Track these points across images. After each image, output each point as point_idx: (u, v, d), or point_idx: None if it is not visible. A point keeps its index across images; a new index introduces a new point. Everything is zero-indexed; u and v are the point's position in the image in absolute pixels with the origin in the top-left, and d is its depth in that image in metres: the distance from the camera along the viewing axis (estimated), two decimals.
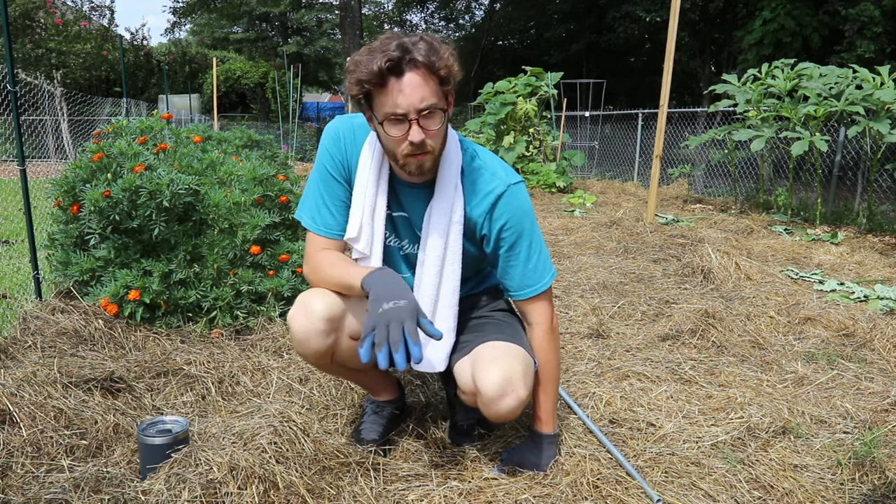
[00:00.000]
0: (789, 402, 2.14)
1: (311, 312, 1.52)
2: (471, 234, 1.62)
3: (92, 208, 2.55)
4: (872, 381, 2.34)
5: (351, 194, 1.62)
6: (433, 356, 1.62)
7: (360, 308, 1.59)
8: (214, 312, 2.63)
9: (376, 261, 1.61)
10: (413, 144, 1.42)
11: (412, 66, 1.37)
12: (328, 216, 1.62)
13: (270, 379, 2.23)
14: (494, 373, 1.49)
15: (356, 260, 1.64)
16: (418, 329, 1.38)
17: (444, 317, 1.62)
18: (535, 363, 1.62)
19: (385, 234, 1.64)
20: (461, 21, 28.55)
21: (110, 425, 1.81)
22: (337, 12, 24.46)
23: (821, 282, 3.75)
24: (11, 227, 4.89)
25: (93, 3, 15.19)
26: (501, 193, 1.57)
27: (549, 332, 1.66)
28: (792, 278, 3.81)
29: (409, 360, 1.35)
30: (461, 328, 1.69)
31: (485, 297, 1.81)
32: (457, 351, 1.65)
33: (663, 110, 5.58)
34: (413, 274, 1.68)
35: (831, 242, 5.02)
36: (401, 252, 1.69)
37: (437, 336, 1.40)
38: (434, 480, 1.63)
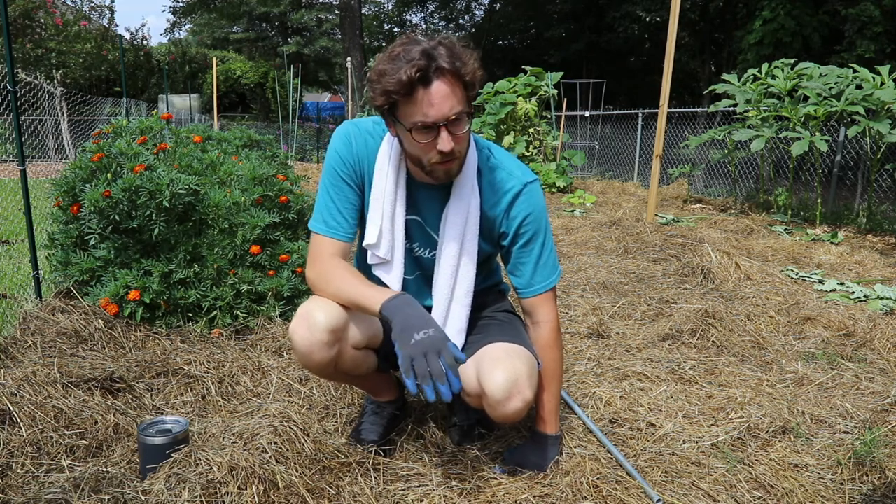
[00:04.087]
0: (789, 402, 2.14)
1: (313, 325, 1.50)
2: (487, 233, 1.63)
3: (92, 208, 2.55)
4: (872, 381, 2.34)
5: (361, 198, 1.61)
6: None
7: (361, 318, 1.58)
8: (214, 312, 2.63)
9: (398, 266, 1.61)
10: (442, 153, 1.42)
11: (439, 75, 1.36)
12: (338, 217, 1.60)
13: (270, 379, 2.23)
14: (500, 375, 1.49)
15: (373, 266, 1.63)
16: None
17: (458, 316, 1.63)
18: (538, 363, 1.62)
19: None
20: (461, 21, 28.56)
21: (110, 425, 1.81)
22: (337, 12, 24.48)
23: (821, 282, 3.75)
24: (11, 227, 4.89)
25: (93, 3, 15.17)
26: (519, 192, 1.59)
27: (555, 331, 1.67)
28: (792, 278, 3.81)
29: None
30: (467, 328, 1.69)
31: (489, 297, 1.82)
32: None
33: (663, 110, 5.58)
34: (418, 276, 1.69)
35: (831, 242, 5.02)
36: (411, 255, 1.68)
37: (463, 361, 1.37)
38: (434, 480, 1.63)
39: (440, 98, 1.37)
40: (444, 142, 1.40)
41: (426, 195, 1.61)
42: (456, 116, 1.40)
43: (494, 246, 1.67)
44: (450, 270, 1.59)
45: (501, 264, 1.79)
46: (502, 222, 1.61)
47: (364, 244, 1.60)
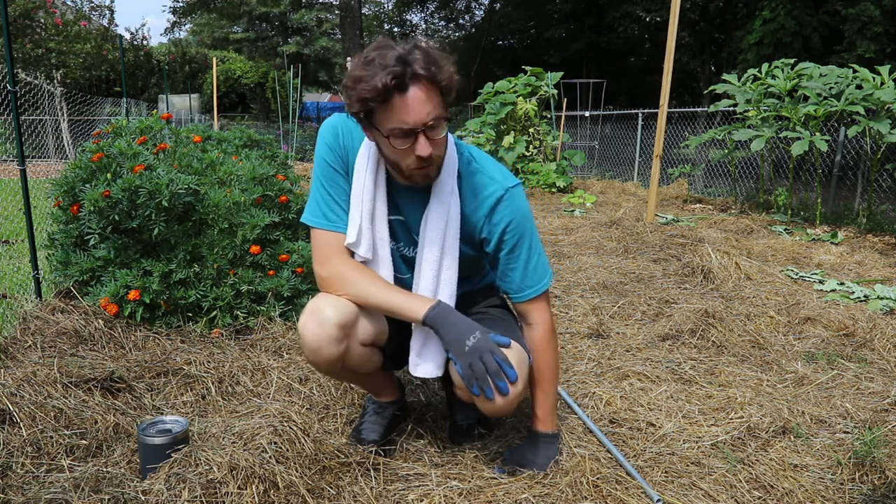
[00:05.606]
0: (789, 402, 2.14)
1: (323, 320, 1.49)
2: (468, 237, 1.62)
3: (92, 208, 2.55)
4: (872, 381, 2.34)
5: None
6: (433, 362, 1.62)
7: (369, 314, 1.58)
8: (214, 312, 2.63)
9: (385, 264, 1.61)
10: (420, 158, 1.42)
11: (415, 81, 1.35)
12: (337, 209, 1.59)
13: (270, 379, 2.23)
14: None
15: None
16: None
17: None
18: (529, 357, 1.62)
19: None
20: (461, 21, 28.56)
21: (110, 425, 1.81)
22: (337, 12, 24.49)
23: (821, 282, 3.75)
24: (11, 227, 4.89)
25: (93, 3, 15.16)
26: (500, 197, 1.58)
27: (549, 332, 1.66)
28: (792, 278, 3.81)
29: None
30: None
31: (480, 295, 1.82)
32: None
33: (663, 110, 5.58)
34: (413, 275, 1.68)
35: (831, 242, 5.02)
36: (398, 253, 1.68)
37: (507, 344, 1.51)
38: (434, 480, 1.63)
39: (418, 104, 1.36)
40: (422, 147, 1.40)
41: (407, 196, 1.61)
42: (433, 122, 1.39)
43: (477, 250, 1.66)
44: (431, 275, 1.59)
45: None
46: (483, 227, 1.60)
47: (345, 244, 1.59)
